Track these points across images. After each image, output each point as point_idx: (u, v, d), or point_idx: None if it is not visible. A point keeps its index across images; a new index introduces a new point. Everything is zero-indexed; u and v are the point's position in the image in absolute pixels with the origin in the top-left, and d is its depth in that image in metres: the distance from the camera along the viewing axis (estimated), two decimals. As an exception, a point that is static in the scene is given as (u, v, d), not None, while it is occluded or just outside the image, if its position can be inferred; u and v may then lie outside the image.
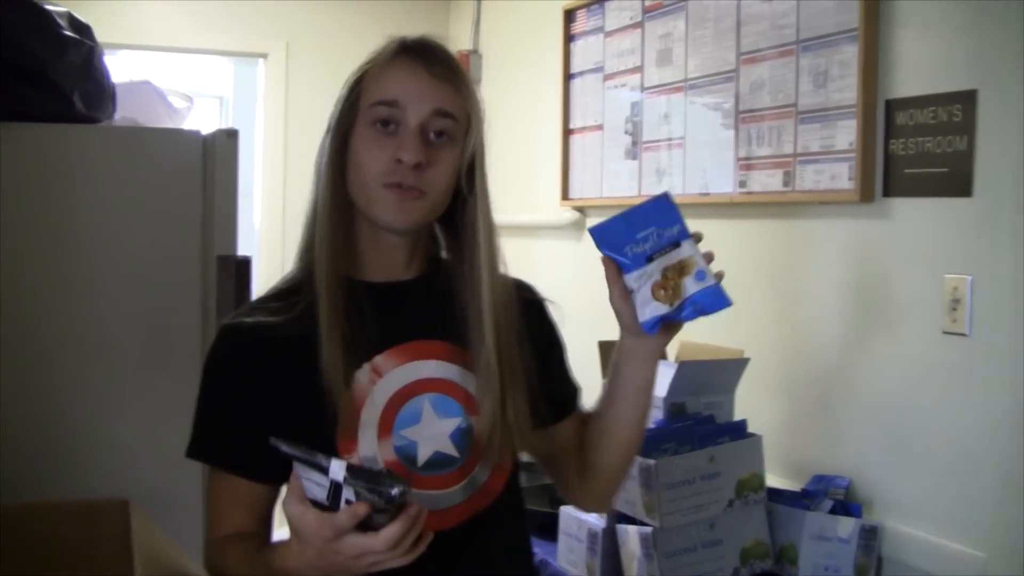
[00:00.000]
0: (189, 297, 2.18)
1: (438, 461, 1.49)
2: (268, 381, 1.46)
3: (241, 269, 2.15)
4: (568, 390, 1.69)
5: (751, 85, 2.90)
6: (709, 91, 3.10)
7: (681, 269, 1.44)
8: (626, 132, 3.55)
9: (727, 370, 2.61)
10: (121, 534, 1.59)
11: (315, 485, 1.24)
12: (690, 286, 1.44)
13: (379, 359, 1.49)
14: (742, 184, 2.95)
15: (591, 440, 1.63)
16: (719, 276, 1.46)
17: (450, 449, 1.49)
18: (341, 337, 1.44)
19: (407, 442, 1.47)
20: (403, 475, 1.44)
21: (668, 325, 1.49)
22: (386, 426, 1.47)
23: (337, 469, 1.22)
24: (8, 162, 2.08)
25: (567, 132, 3.93)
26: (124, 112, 2.38)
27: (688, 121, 3.21)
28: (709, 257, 1.46)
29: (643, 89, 3.46)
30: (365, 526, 1.23)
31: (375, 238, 1.53)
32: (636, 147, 3.48)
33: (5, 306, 2.07)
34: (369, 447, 1.46)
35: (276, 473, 1.41)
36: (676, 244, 1.45)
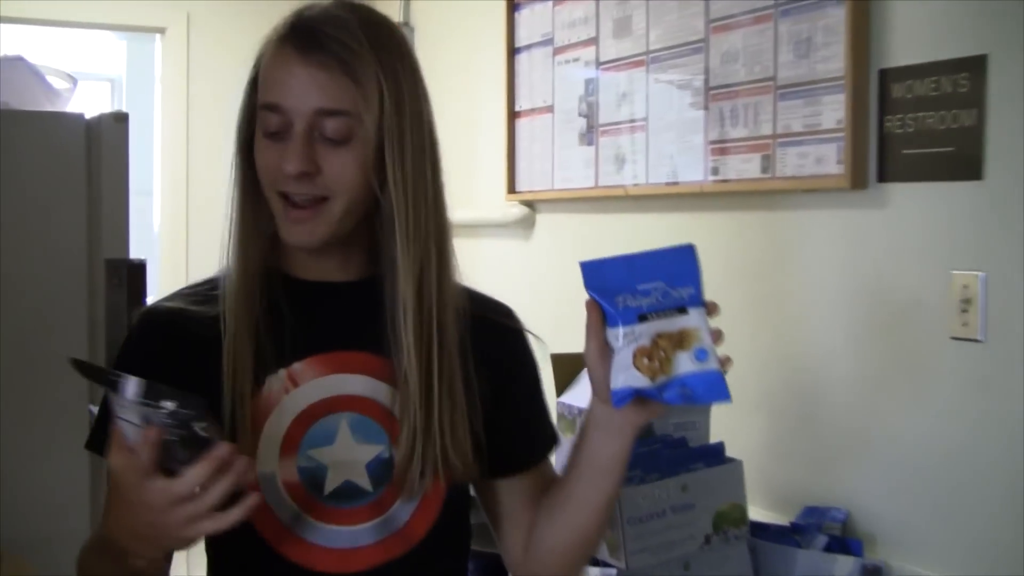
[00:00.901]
0: (73, 308, 2.17)
1: (347, 492, 1.49)
2: (176, 373, 1.43)
3: (134, 275, 2.12)
4: (526, 441, 1.65)
5: (723, 57, 2.89)
6: (674, 65, 3.08)
7: (680, 341, 1.38)
8: (580, 114, 3.54)
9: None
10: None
11: (129, 425, 1.24)
12: (684, 364, 1.38)
13: (298, 366, 1.50)
14: (715, 171, 2.94)
15: (542, 510, 1.60)
16: (725, 363, 1.40)
17: (363, 480, 1.49)
18: (252, 336, 1.47)
19: (315, 464, 1.48)
20: (303, 501, 1.46)
21: (644, 403, 1.42)
22: (292, 442, 1.48)
23: (132, 388, 1.22)
24: None
25: (512, 115, 3.91)
26: (-5, 93, 2.33)
27: (651, 100, 3.20)
28: (717, 335, 1.40)
29: (599, 64, 3.44)
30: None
31: None
32: (592, 131, 3.47)
33: None
34: (269, 463, 1.47)
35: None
36: (682, 310, 1.39)
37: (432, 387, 1.47)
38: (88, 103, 3.80)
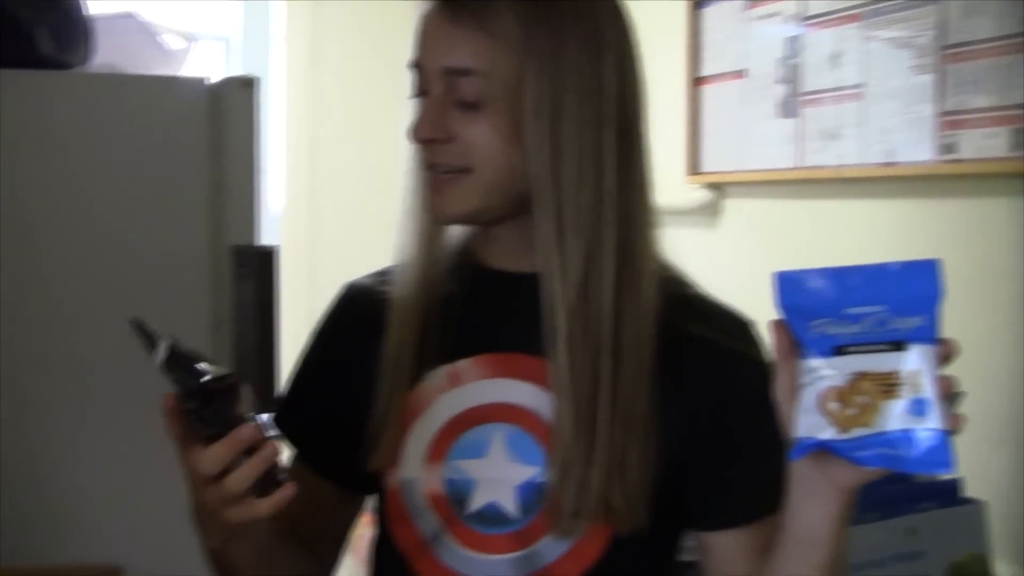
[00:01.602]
0: (193, 301, 2.19)
1: (491, 515, 1.50)
2: (359, 352, 1.59)
3: (263, 263, 2.16)
4: (733, 496, 1.54)
5: (962, 8, 2.83)
6: (898, 19, 3.03)
7: (890, 385, 1.23)
8: (779, 80, 3.52)
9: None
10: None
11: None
12: (894, 418, 1.22)
13: (463, 364, 1.53)
14: (947, 149, 2.88)
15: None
16: (956, 423, 1.22)
17: (509, 504, 1.49)
18: (417, 328, 1.52)
19: (462, 477, 1.51)
20: (446, 517, 1.50)
21: (828, 459, 1.27)
22: (439, 448, 1.51)
23: (159, 354, 1.32)
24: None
25: (696, 82, 3.90)
26: (104, 55, 2.39)
27: (868, 62, 3.15)
28: (947, 387, 1.22)
29: (803, 19, 3.41)
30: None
31: None
32: (793, 101, 3.45)
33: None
34: (412, 468, 1.52)
35: (345, 473, 1.60)
36: (899, 345, 1.23)
37: (597, 409, 1.43)
38: (201, 66, 3.85)
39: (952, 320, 1.30)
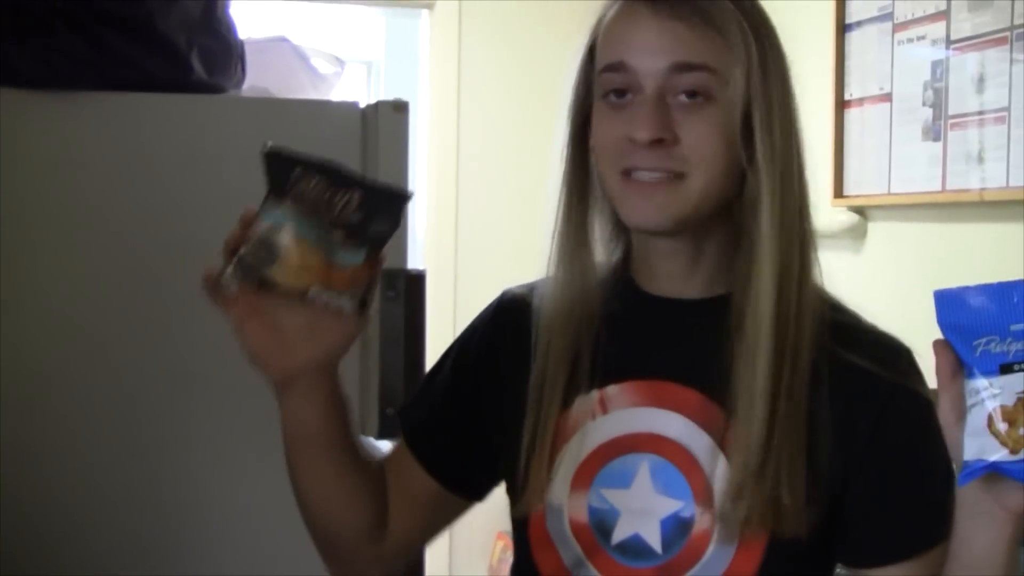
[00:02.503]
0: None
1: (634, 547, 1.47)
2: (508, 365, 1.57)
3: (413, 287, 2.14)
4: (901, 528, 1.47)
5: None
6: (1048, 43, 2.98)
7: None
8: (925, 103, 3.50)
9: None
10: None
11: None
12: None
13: (613, 390, 1.49)
14: (1099, 173, 2.83)
15: None
16: None
17: (654, 537, 1.46)
18: (568, 353, 1.49)
19: (608, 507, 1.48)
20: (588, 546, 1.48)
21: (998, 481, 1.23)
22: (586, 475, 1.49)
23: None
24: (108, 141, 2.10)
25: (841, 104, 3.88)
26: (255, 79, 2.39)
27: (1016, 85, 3.13)
28: None
29: (949, 43, 3.39)
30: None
31: (642, 237, 1.52)
32: (939, 124, 3.42)
33: (90, 328, 2.10)
34: (559, 494, 1.49)
35: (460, 479, 1.61)
36: None
37: (774, 429, 1.39)
38: (346, 88, 3.89)
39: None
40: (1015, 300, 1.22)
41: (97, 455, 2.10)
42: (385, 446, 2.13)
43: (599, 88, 1.46)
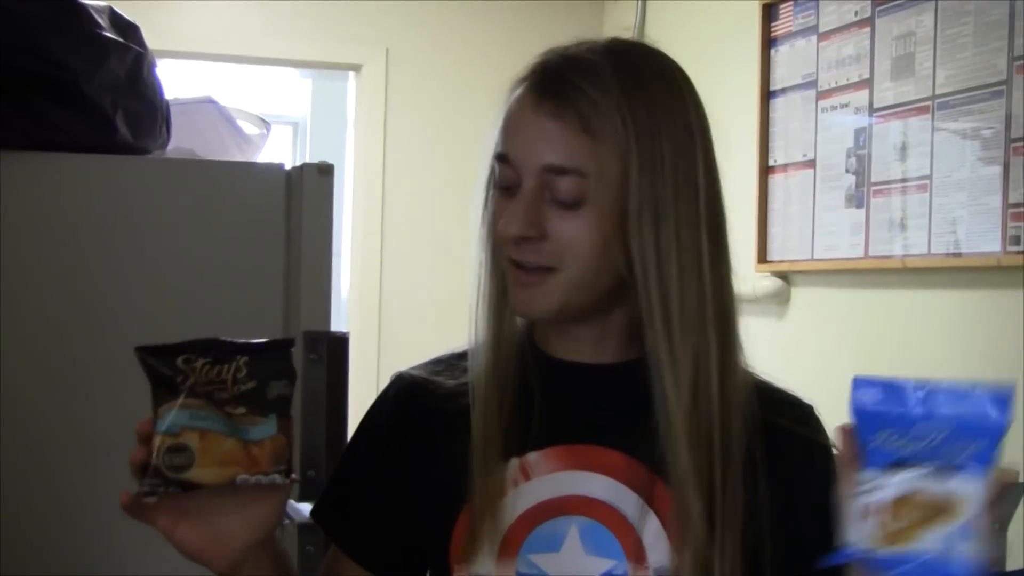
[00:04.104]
0: None
1: None
2: (417, 449, 1.57)
3: (335, 350, 2.14)
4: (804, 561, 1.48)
5: (1029, 104, 2.84)
6: (967, 112, 3.05)
7: (939, 508, 1.21)
8: (848, 170, 3.53)
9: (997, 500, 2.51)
10: None
11: None
12: (936, 541, 1.21)
13: (534, 456, 1.49)
14: (1014, 240, 2.88)
15: None
16: (994, 560, 1.21)
17: None
18: (496, 420, 1.49)
19: (536, 573, 1.47)
20: None
21: (866, 571, 1.26)
22: (512, 544, 1.48)
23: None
24: (29, 203, 2.11)
25: (765, 171, 3.91)
26: (180, 140, 2.40)
27: (937, 154, 3.17)
28: (993, 518, 1.20)
29: (872, 111, 3.43)
30: None
31: None
32: (862, 191, 3.45)
33: (17, 396, 2.09)
34: (485, 565, 1.48)
35: (394, 566, 1.58)
36: (955, 469, 1.22)
37: (715, 501, 1.42)
38: (272, 149, 3.90)
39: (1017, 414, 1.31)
40: (925, 400, 1.24)
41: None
42: (306, 508, 2.13)
43: (494, 174, 1.49)
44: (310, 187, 2.20)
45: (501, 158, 1.46)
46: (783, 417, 1.50)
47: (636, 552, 1.46)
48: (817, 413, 1.54)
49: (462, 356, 1.58)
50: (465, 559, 1.49)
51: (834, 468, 1.33)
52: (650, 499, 1.46)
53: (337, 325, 2.26)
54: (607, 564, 1.46)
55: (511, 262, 1.46)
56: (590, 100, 1.41)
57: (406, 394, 1.61)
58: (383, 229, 5.11)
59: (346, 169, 5.20)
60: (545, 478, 1.49)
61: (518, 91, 1.48)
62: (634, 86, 1.44)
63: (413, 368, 1.63)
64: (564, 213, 1.42)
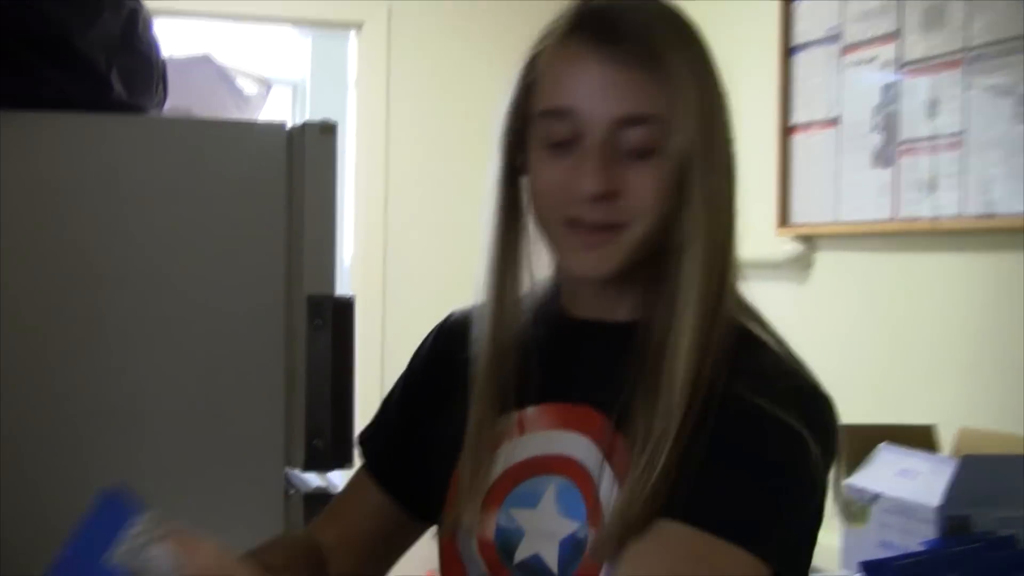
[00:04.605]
0: (268, 355, 2.18)
1: (533, 567, 1.51)
2: (440, 391, 1.66)
3: (341, 314, 2.15)
4: (709, 497, 1.43)
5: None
6: (999, 66, 3.05)
7: None
8: (874, 129, 3.53)
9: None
10: None
11: None
12: None
13: (531, 412, 1.56)
14: (1050, 201, 2.87)
15: None
16: None
17: (551, 558, 1.50)
18: (495, 376, 1.56)
19: (514, 527, 1.53)
20: (492, 566, 1.53)
21: None
22: (497, 496, 1.55)
23: None
24: (21, 163, 2.10)
25: (787, 131, 3.91)
26: (177, 99, 2.40)
27: (969, 110, 3.17)
28: None
29: (900, 66, 3.43)
30: None
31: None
32: (889, 150, 3.45)
33: (9, 363, 2.09)
34: (472, 511, 1.55)
35: (414, 497, 1.66)
36: None
37: (660, 456, 1.40)
38: (271, 110, 3.89)
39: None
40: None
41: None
42: (312, 479, 2.14)
43: (540, 131, 1.48)
44: (312, 147, 2.20)
45: (557, 113, 1.46)
46: (760, 392, 1.42)
47: (596, 516, 1.47)
48: (814, 404, 1.47)
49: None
50: (453, 505, 1.56)
51: (789, 448, 1.39)
52: (615, 465, 1.47)
53: (340, 290, 2.27)
54: (573, 526, 1.50)
55: (571, 223, 1.46)
56: (655, 43, 1.43)
57: (445, 334, 1.71)
58: (387, 191, 5.11)
59: (348, 131, 5.19)
60: (538, 435, 1.54)
61: (568, 41, 1.47)
62: (685, 33, 1.47)
63: (466, 308, 1.67)
64: (635, 165, 1.43)
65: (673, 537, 1.39)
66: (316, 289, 2.18)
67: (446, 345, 1.68)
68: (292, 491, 2.14)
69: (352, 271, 5.10)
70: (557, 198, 1.46)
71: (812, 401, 1.47)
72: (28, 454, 2.12)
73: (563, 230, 1.47)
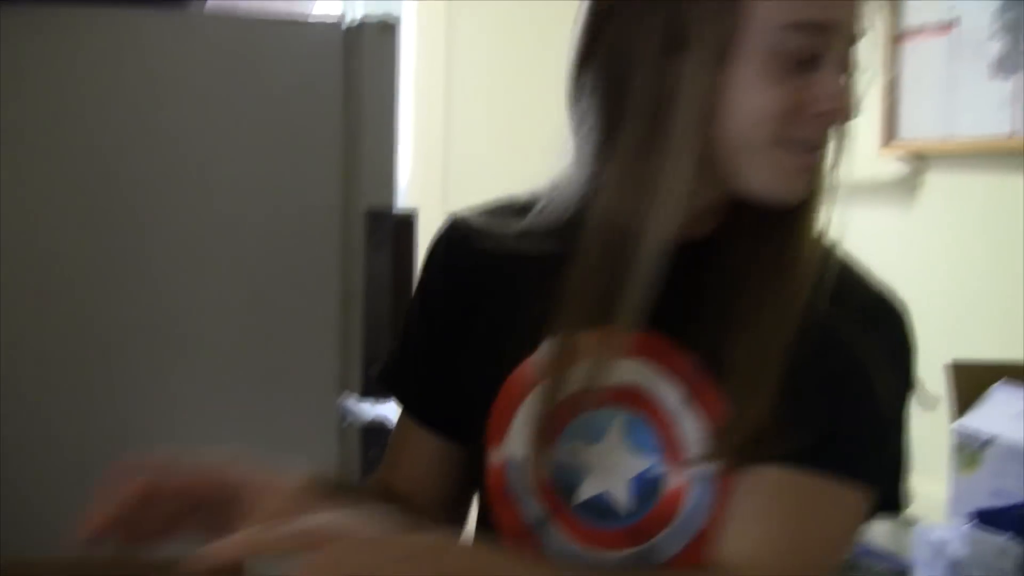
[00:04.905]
0: (323, 273, 2.22)
1: (600, 507, 1.53)
2: (466, 305, 1.63)
3: (401, 230, 2.19)
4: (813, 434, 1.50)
5: None
6: None
7: None
8: (995, 35, 3.51)
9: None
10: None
11: None
12: None
13: (583, 336, 1.52)
14: None
15: None
16: None
17: (622, 497, 1.53)
18: (545, 292, 1.52)
19: (574, 463, 1.54)
20: (552, 504, 1.53)
21: None
22: (554, 428, 1.53)
23: None
24: (59, 60, 2.14)
25: (896, 37, 3.89)
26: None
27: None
28: None
29: (1025, -36, 3.38)
30: None
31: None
32: (1012, 58, 3.43)
33: (48, 288, 2.15)
34: (519, 446, 1.55)
35: (462, 429, 1.63)
36: None
37: (758, 400, 1.46)
38: (326, 8, 3.88)
39: None
40: None
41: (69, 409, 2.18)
42: (369, 409, 2.17)
43: (767, 41, 1.45)
44: (371, 46, 2.21)
45: (811, 28, 1.45)
46: (850, 309, 1.50)
47: (673, 450, 1.51)
48: (903, 318, 1.54)
49: (521, 210, 1.62)
50: (501, 440, 1.56)
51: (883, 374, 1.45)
52: (696, 396, 1.51)
53: (401, 203, 2.27)
54: (645, 463, 1.52)
55: (789, 143, 1.46)
56: None
57: (452, 243, 1.68)
58: (448, 98, 5.11)
59: (405, 28, 5.15)
60: (594, 363, 1.51)
61: None
62: None
63: (470, 212, 1.69)
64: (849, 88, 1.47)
65: (779, 483, 1.46)
66: (375, 202, 2.20)
67: (460, 255, 1.66)
68: (347, 423, 2.17)
69: (410, 185, 5.10)
70: (782, 118, 1.45)
71: (900, 326, 1.53)
72: (71, 376, 2.18)
73: (777, 151, 1.46)
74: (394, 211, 2.21)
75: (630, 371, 1.53)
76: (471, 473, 1.65)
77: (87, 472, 2.10)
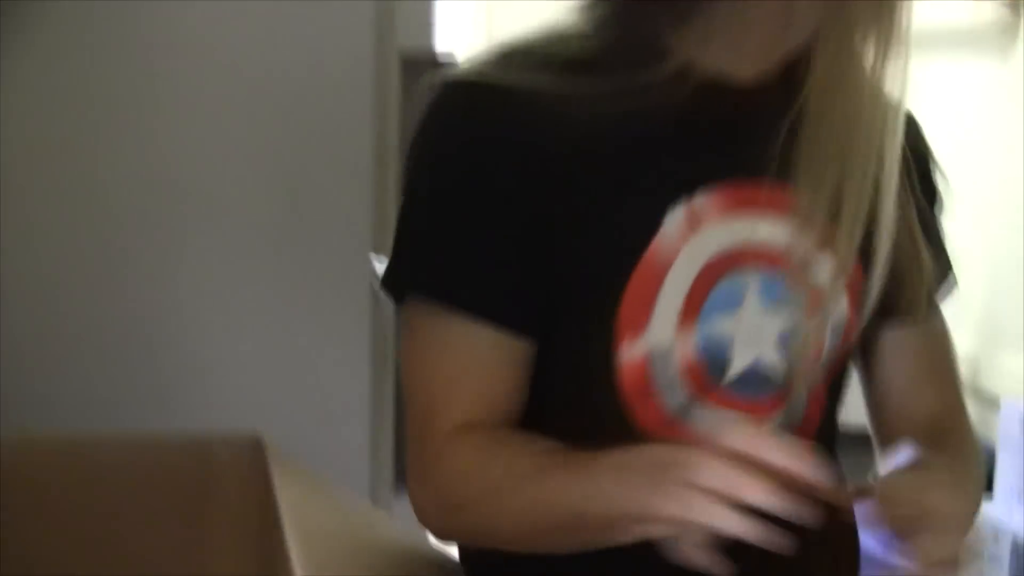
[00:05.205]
0: (354, 125, 2.21)
1: (755, 377, 1.56)
2: (559, 186, 1.50)
3: (440, 77, 2.18)
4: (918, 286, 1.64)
5: None
6: None
7: None
8: None
9: None
10: (253, 481, 1.71)
11: None
12: None
13: (701, 200, 1.52)
14: None
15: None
16: None
17: (773, 359, 1.57)
18: (645, 156, 1.50)
19: (720, 337, 1.54)
20: (700, 387, 1.54)
21: None
22: (692, 307, 1.53)
23: None
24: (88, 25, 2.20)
25: None
26: None
27: None
28: None
29: None
30: None
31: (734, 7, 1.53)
32: None
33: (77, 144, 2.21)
34: (663, 334, 1.52)
35: (533, 322, 1.52)
36: None
37: (881, 240, 1.53)
38: None
39: None
40: None
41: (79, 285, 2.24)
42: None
43: None
44: None
45: None
46: (915, 137, 1.64)
47: (813, 301, 1.55)
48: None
49: (545, 62, 1.52)
50: (639, 331, 1.52)
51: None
52: (823, 240, 1.53)
53: (441, 45, 2.24)
54: (784, 319, 1.56)
55: None
56: None
57: (503, 116, 1.48)
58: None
59: None
60: (717, 226, 1.52)
61: None
62: None
63: (478, 75, 1.52)
64: None
65: (927, 336, 1.72)
66: (412, 43, 2.20)
67: (526, 136, 1.48)
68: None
69: (447, 29, 5.13)
70: None
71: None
72: (95, 253, 2.25)
73: None
74: (433, 53, 2.23)
75: (753, 228, 1.54)
76: (574, 375, 1.56)
77: (106, 346, 2.18)
